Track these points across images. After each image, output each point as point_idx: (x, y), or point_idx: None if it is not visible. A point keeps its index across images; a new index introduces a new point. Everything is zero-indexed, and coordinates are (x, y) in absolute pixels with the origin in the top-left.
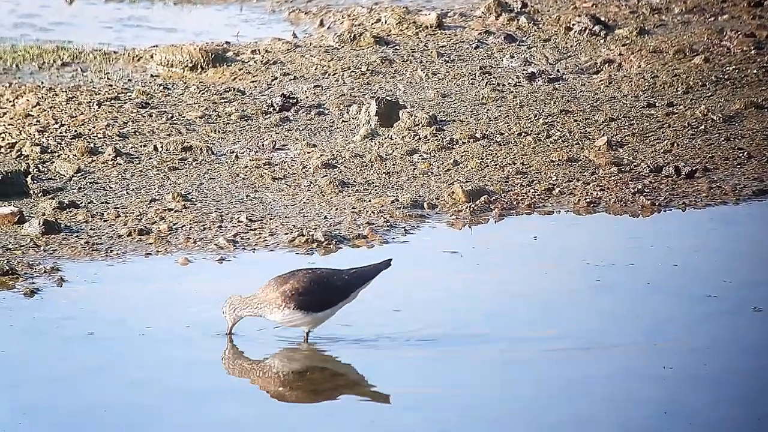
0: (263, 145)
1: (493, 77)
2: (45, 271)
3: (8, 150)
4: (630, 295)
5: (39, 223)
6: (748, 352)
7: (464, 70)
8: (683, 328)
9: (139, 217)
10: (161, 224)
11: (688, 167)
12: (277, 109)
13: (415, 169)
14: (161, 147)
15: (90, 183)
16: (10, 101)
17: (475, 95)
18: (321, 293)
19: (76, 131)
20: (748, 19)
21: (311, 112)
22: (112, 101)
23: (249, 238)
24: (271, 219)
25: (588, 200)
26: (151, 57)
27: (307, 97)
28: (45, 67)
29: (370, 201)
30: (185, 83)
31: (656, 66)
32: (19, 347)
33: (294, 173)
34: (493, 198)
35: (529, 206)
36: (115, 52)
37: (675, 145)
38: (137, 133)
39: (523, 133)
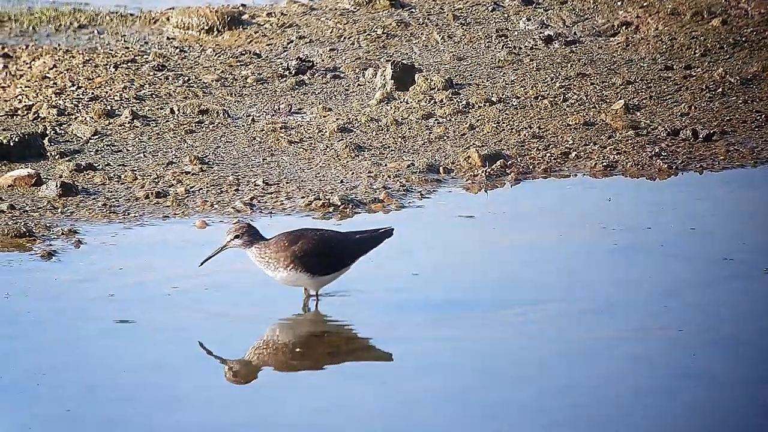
0: (279, 109)
1: (510, 40)
2: (62, 234)
3: (25, 112)
4: (646, 259)
5: (56, 186)
6: (764, 315)
7: (480, 33)
8: (699, 290)
9: (156, 180)
10: (178, 187)
11: (706, 130)
12: (293, 72)
13: (430, 133)
14: (178, 110)
15: (107, 145)
16: (26, 63)
17: (492, 58)
18: (328, 256)
19: (93, 94)
20: None
21: (327, 75)
22: (129, 64)
23: (266, 202)
24: (287, 183)
25: (605, 164)
26: (168, 19)
27: (322, 61)
28: (62, 30)
29: (386, 165)
30: (201, 46)
31: (674, 28)
32: (38, 309)
33: (310, 137)
34: (509, 162)
35: (546, 170)
36: (131, 15)
37: (692, 107)
38: (154, 96)
39: (540, 97)
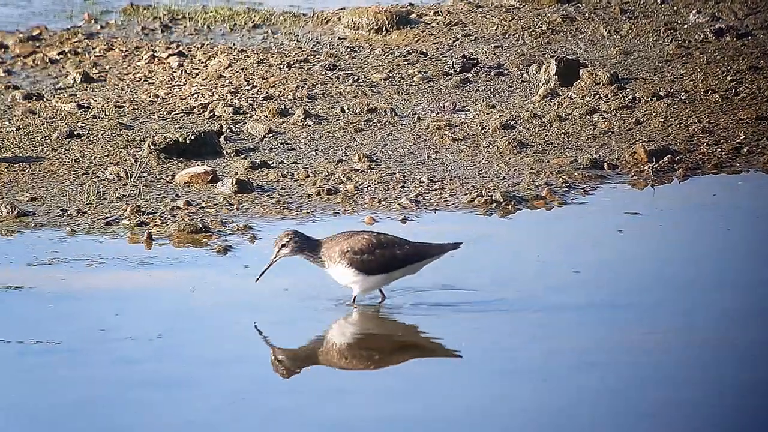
0: (444, 107)
1: (679, 33)
2: (238, 229)
3: (201, 110)
4: None
5: (232, 183)
6: None
7: (648, 26)
8: None
9: (327, 177)
10: (348, 184)
11: None
12: (458, 70)
13: (594, 128)
14: (348, 109)
15: (280, 143)
16: (202, 62)
17: (659, 52)
18: (378, 258)
19: (267, 93)
20: None
21: (491, 72)
22: (302, 63)
23: (430, 198)
24: (451, 179)
25: None
26: (339, 20)
27: (487, 58)
28: (236, 29)
29: (548, 161)
30: (371, 45)
31: None
32: (216, 303)
33: (473, 134)
34: (677, 158)
35: (716, 166)
36: (304, 15)
37: None
38: (325, 95)
39: (710, 91)
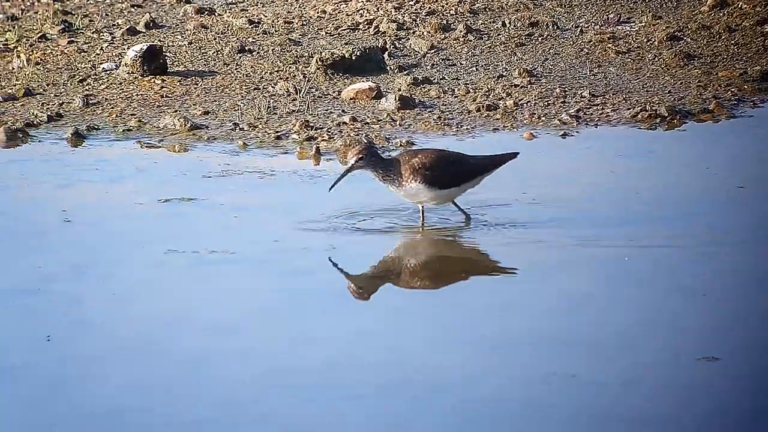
0: (608, 19)
1: None
2: (401, 145)
3: (366, 27)
4: None
5: (395, 99)
6: None
7: None
8: None
9: (487, 93)
10: (508, 100)
11: None
12: None
13: (766, 39)
14: (509, 23)
15: (442, 59)
16: None
17: None
18: (447, 171)
19: (430, 8)
20: None
21: None
22: None
23: (591, 114)
24: (613, 94)
25: None
26: None
27: None
28: None
29: (716, 74)
30: None
31: None
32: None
33: (638, 47)
34: None
35: None
36: None
37: None
38: (487, 10)
39: None
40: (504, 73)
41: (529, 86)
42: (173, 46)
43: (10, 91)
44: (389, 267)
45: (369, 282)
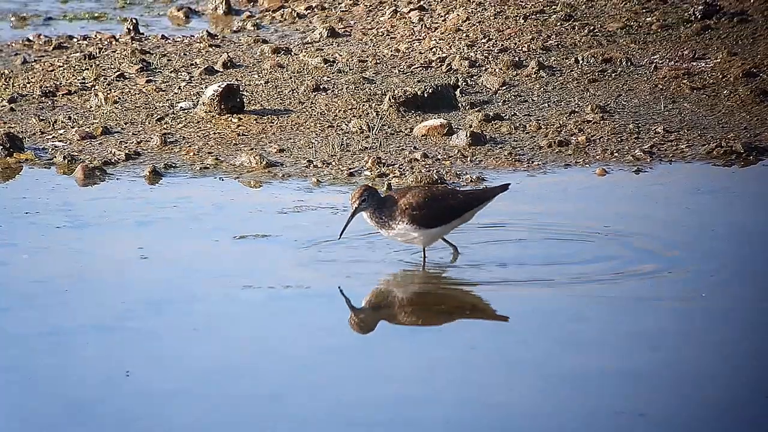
0: (683, 55)
1: None
2: (471, 181)
3: (439, 64)
4: None
5: (466, 135)
6: None
7: None
8: None
9: (558, 129)
10: (580, 136)
11: None
12: (699, 17)
13: None
14: (582, 59)
15: (514, 96)
16: (441, 16)
17: None
18: (435, 209)
19: (502, 45)
20: None
21: (733, 19)
22: (537, 15)
23: (665, 150)
24: (688, 130)
25: None
26: None
27: (729, 4)
28: None
29: None
30: None
31: None
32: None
33: (713, 83)
34: None
35: None
36: None
37: None
38: (559, 46)
39: None
40: (576, 109)
41: (601, 122)
42: (250, 85)
43: (87, 129)
44: (463, 301)
45: (441, 317)
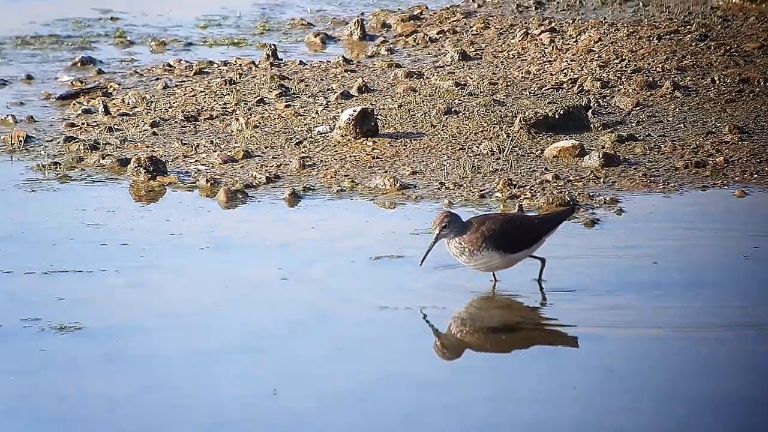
0: None
1: None
2: (604, 202)
3: (570, 85)
4: None
5: (599, 156)
6: None
7: None
8: None
9: (695, 150)
10: (717, 157)
11: None
12: None
13: None
14: (718, 80)
15: (648, 116)
16: (572, 37)
17: None
18: (516, 235)
19: (635, 66)
20: None
21: None
22: (672, 35)
23: None
24: None
25: None
26: None
27: None
28: (608, 3)
29: None
30: (744, 14)
31: None
32: (575, 274)
33: None
34: None
35: None
36: None
37: None
38: (695, 66)
39: None
40: (713, 130)
41: (740, 143)
42: (384, 108)
43: (229, 153)
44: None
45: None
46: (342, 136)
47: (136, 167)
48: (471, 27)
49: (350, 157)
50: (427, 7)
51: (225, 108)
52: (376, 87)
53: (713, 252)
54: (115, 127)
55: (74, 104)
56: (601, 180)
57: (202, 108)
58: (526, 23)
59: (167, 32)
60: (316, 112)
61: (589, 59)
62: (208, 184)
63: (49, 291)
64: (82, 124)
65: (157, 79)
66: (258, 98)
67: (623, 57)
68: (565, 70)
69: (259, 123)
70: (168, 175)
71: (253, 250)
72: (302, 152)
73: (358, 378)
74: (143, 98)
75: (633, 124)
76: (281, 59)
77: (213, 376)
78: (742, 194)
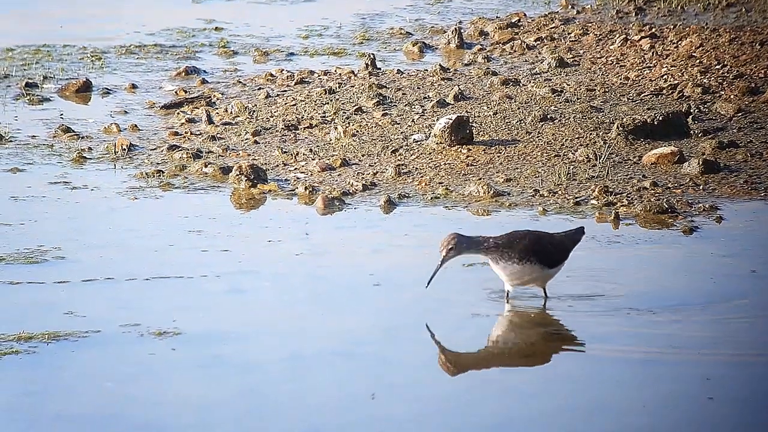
0: None
1: None
2: (703, 210)
3: (670, 91)
4: None
5: (698, 163)
6: None
7: None
8: None
9: None
10: None
11: None
12: None
13: None
14: None
15: (750, 123)
16: (673, 43)
17: None
18: (553, 250)
19: (737, 71)
20: None
21: None
22: None
23: None
24: None
25: None
26: None
27: None
28: (710, 9)
29: None
30: None
31: None
32: (674, 283)
33: None
34: None
35: None
36: None
37: None
38: None
39: None
40: None
41: None
42: (479, 116)
43: (327, 161)
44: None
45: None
46: (437, 143)
47: (237, 175)
48: (569, 33)
49: (445, 164)
50: (525, 15)
51: (324, 117)
52: (472, 95)
53: None
54: (218, 135)
55: (178, 113)
56: (701, 187)
57: (302, 117)
58: (625, 29)
59: (269, 42)
60: (413, 120)
61: (689, 65)
62: (307, 192)
63: (150, 297)
64: (186, 132)
65: (260, 88)
66: (356, 107)
67: (725, 62)
68: (665, 76)
69: (357, 131)
70: (268, 183)
71: (348, 256)
72: (398, 160)
73: (454, 384)
74: (245, 107)
75: (734, 131)
76: (379, 68)
77: (308, 381)
78: None
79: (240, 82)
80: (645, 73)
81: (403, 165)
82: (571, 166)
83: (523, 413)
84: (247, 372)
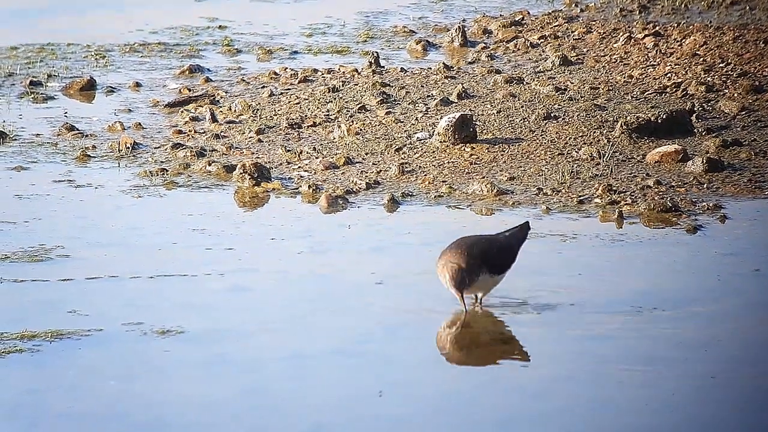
0: None
1: None
2: (707, 209)
3: (674, 89)
4: None
5: (702, 161)
6: None
7: None
8: None
9: None
10: None
11: None
12: None
13: None
14: None
15: (753, 121)
16: (677, 41)
17: None
18: (503, 253)
19: (741, 69)
20: None
21: None
22: None
23: None
24: None
25: None
26: None
27: None
28: (714, 7)
29: None
30: None
31: None
32: (678, 281)
33: None
34: None
35: None
36: None
37: None
38: None
39: None
40: None
41: None
42: (482, 114)
43: (331, 159)
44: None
45: None
46: (441, 142)
47: (241, 173)
48: (573, 32)
49: (448, 163)
50: (528, 13)
51: (328, 115)
52: (475, 93)
53: None
54: (222, 134)
55: (182, 111)
56: (705, 186)
57: (305, 115)
58: (629, 27)
59: (273, 41)
60: (416, 119)
61: (693, 63)
62: (311, 190)
63: (153, 295)
64: (190, 131)
65: (263, 87)
66: (360, 105)
67: (729, 61)
68: (669, 74)
69: (361, 130)
70: (272, 181)
71: (350, 254)
72: (401, 158)
73: (459, 382)
74: (249, 106)
75: (738, 129)
76: (383, 66)
77: (312, 379)
78: None
79: (244, 80)
80: (649, 71)
81: (406, 163)
82: (575, 165)
83: (526, 412)
84: (251, 370)
